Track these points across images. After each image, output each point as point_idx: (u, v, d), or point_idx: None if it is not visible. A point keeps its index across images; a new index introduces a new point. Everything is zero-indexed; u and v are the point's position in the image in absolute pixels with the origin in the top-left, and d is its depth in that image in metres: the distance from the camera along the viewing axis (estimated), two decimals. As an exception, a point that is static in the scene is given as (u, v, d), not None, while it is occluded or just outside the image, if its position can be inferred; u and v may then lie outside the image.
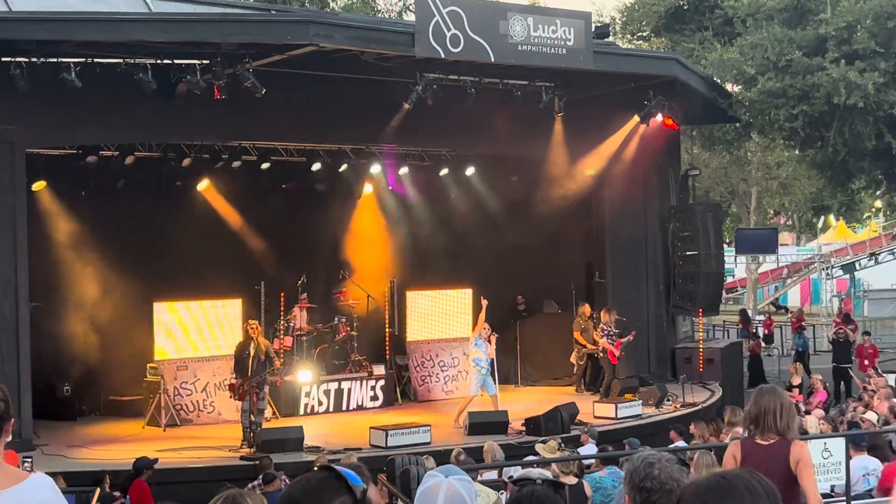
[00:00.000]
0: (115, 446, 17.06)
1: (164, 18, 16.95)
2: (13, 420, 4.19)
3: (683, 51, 24.70)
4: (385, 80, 17.78)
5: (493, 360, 18.78)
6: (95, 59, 15.67)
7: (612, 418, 18.61)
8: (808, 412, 17.62)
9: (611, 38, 26.20)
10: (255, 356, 16.83)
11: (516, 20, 17.27)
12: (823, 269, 46.17)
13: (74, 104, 16.13)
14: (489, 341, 18.67)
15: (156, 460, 13.75)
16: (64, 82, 15.34)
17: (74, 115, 16.52)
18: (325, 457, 14.46)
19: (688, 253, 23.64)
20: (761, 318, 41.45)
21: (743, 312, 38.35)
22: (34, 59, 15.32)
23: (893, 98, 21.53)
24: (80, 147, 18.69)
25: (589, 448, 14.94)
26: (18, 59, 15.22)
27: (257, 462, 14.61)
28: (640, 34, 30.08)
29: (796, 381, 21.67)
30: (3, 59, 15.24)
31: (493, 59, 17.18)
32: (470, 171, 23.04)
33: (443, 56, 16.72)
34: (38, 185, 18.95)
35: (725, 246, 30.79)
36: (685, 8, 27.16)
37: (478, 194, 23.26)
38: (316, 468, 3.55)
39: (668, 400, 20.28)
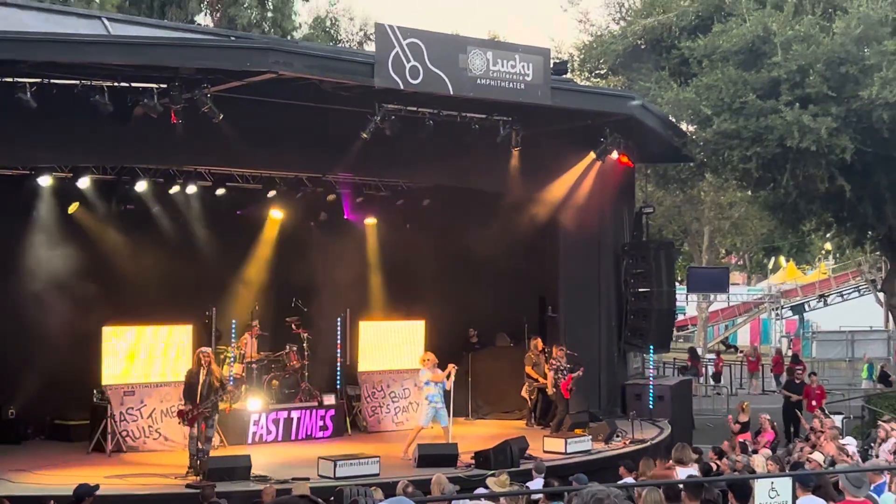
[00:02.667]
0: (59, 471, 16.83)
1: (122, 41, 16.87)
2: None
3: (640, 89, 24.86)
4: (343, 109, 17.79)
5: (448, 391, 18.74)
6: (52, 80, 15.53)
7: (562, 453, 18.62)
8: (755, 451, 17.73)
9: (569, 75, 26.38)
10: (206, 383, 16.70)
11: (476, 54, 17.37)
12: (773, 309, 46.64)
13: (29, 125, 15.96)
14: (438, 371, 18.60)
15: (97, 487, 13.54)
16: (19, 102, 15.20)
17: (29, 135, 16.33)
18: (273, 486, 14.34)
19: (640, 290, 23.78)
20: (711, 356, 41.76)
21: (692, 350, 38.62)
22: (-11, 79, 15.17)
23: (845, 142, 21.80)
24: (32, 168, 18.51)
25: (537, 483, 14.91)
26: (-27, 78, 15.06)
27: (200, 490, 14.46)
28: (597, 72, 30.29)
29: (743, 418, 21.79)
30: (-42, 77, 15.08)
31: (451, 92, 17.26)
32: (426, 202, 23.07)
33: (402, 87, 16.77)
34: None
35: (677, 284, 30.98)
36: (642, 47, 27.35)
37: (433, 225, 23.28)
38: (295, 495, 3.54)
39: (618, 436, 20.33)
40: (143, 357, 19.42)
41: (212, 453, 16.94)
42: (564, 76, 23.68)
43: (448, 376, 18.66)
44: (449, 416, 18.78)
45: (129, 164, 19.44)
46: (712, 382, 37.88)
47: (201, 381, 16.71)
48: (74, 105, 15.76)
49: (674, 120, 23.89)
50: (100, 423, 18.71)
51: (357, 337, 22.13)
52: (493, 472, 15.48)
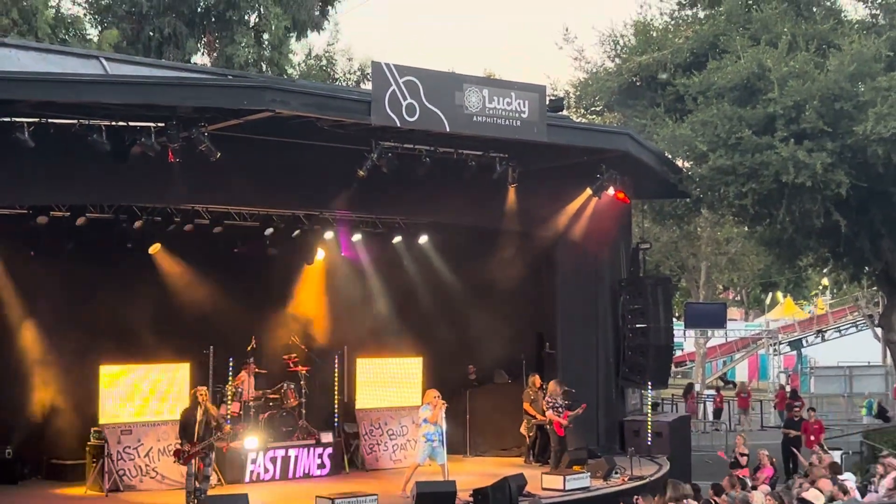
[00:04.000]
0: (55, 511, 16.75)
1: (120, 81, 16.95)
2: None
3: (636, 126, 24.98)
4: (340, 146, 17.85)
5: (443, 429, 18.69)
6: (49, 120, 15.59)
7: (561, 490, 18.55)
8: (754, 487, 17.67)
9: (564, 112, 26.50)
10: (202, 422, 16.67)
11: (472, 91, 17.46)
12: (771, 345, 46.57)
13: (26, 164, 16.01)
14: (435, 408, 18.56)
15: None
16: (17, 142, 15.26)
17: (26, 174, 16.39)
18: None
19: (637, 326, 23.77)
20: (711, 392, 41.68)
21: (688, 387, 38.55)
22: (-13, 118, 15.22)
23: (840, 178, 21.89)
24: (30, 207, 18.54)
25: (536, 520, 14.87)
26: (-29, 118, 15.11)
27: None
28: (593, 108, 30.43)
29: (742, 450, 21.76)
30: (-44, 117, 15.13)
31: (448, 129, 17.33)
32: (423, 239, 23.12)
33: (398, 125, 16.85)
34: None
35: (675, 320, 30.96)
36: (638, 84, 27.50)
37: (430, 262, 23.30)
38: None
39: (617, 472, 20.25)
40: (140, 396, 19.37)
41: (209, 492, 16.88)
42: (560, 113, 23.81)
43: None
44: (443, 452, 18.70)
45: (127, 203, 19.47)
46: (712, 419, 37.79)
47: (198, 419, 16.68)
48: (72, 144, 15.81)
49: (670, 156, 23.99)
50: (97, 462, 18.65)
51: (355, 374, 22.10)
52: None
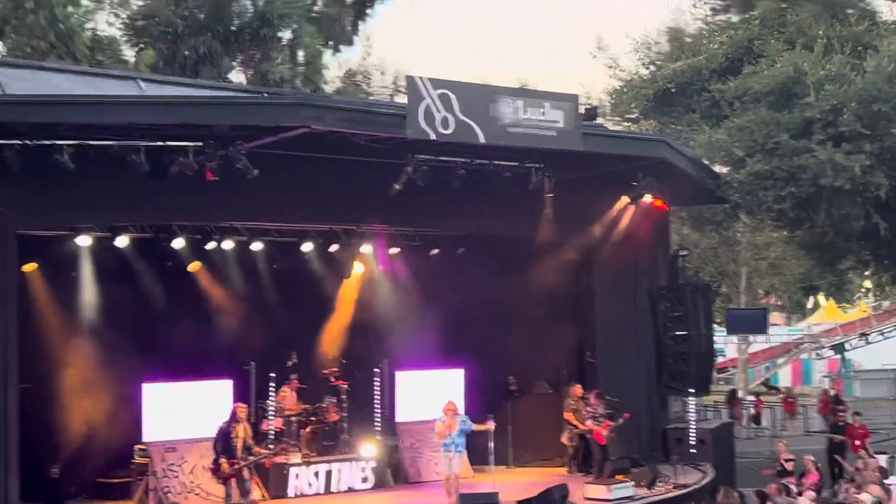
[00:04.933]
0: (102, 529, 16.87)
1: (156, 101, 17.13)
2: None
3: (671, 133, 24.94)
4: (376, 161, 17.93)
5: (459, 436, 18.63)
6: (88, 142, 15.76)
7: (604, 499, 18.47)
8: (799, 493, 17.55)
9: (599, 120, 26.48)
10: (242, 439, 16.78)
11: (506, 103, 17.48)
12: (814, 349, 46.15)
13: (67, 186, 16.20)
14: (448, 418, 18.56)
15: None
16: (57, 164, 15.43)
17: (67, 196, 16.59)
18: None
19: (678, 333, 23.65)
20: (752, 398, 41.35)
21: (731, 393, 38.27)
22: (27, 142, 15.40)
23: (879, 180, 21.73)
24: (72, 228, 18.73)
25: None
26: (12, 142, 15.30)
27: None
28: (628, 116, 30.40)
29: (785, 456, 21.57)
30: (-3, 141, 15.33)
31: (482, 141, 17.36)
32: (460, 251, 23.13)
33: (433, 138, 16.89)
34: (30, 267, 18.95)
35: (716, 326, 30.78)
36: (673, 91, 27.46)
37: (468, 274, 23.29)
38: None
39: (661, 481, 20.15)
40: (183, 413, 19.47)
41: (253, 508, 16.96)
42: (595, 121, 23.78)
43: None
44: (461, 459, 18.64)
45: (167, 222, 19.65)
46: (753, 425, 37.47)
47: (240, 436, 16.78)
48: (111, 165, 15.99)
49: (707, 162, 23.89)
50: (142, 480, 18.77)
51: (396, 387, 22.11)
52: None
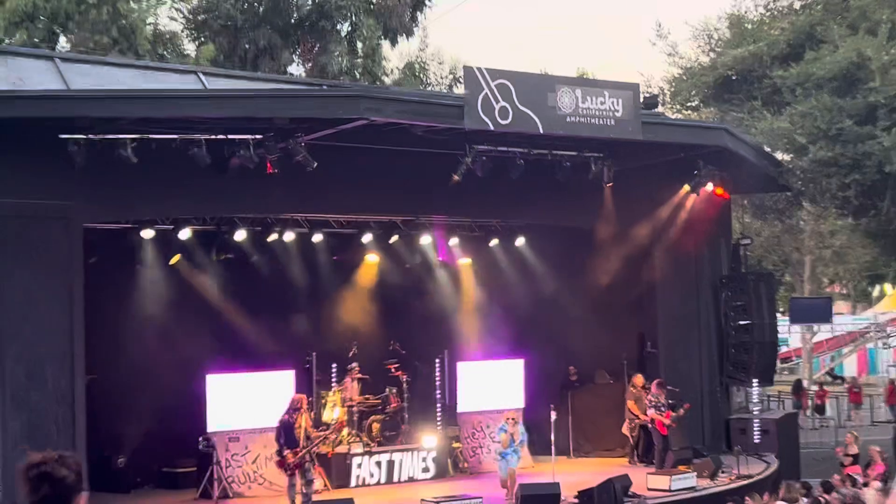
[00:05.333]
0: (167, 518, 17.10)
1: (218, 95, 17.30)
2: (84, 494, 4.25)
3: (732, 120, 24.67)
4: (434, 151, 17.95)
5: (518, 442, 18.67)
6: (151, 135, 15.96)
7: (666, 490, 18.38)
8: (865, 484, 17.33)
9: (659, 109, 26.28)
10: (303, 429, 16.92)
11: (564, 92, 17.42)
12: (879, 338, 45.50)
13: (130, 179, 16.41)
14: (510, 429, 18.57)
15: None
16: (120, 158, 15.64)
17: (130, 190, 16.80)
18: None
19: (741, 322, 23.44)
20: (817, 388, 40.91)
21: (797, 383, 37.88)
22: (91, 136, 15.63)
23: (946, 165, 21.36)
24: (136, 221, 18.99)
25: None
26: (76, 137, 15.53)
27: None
28: (688, 104, 30.15)
29: (853, 450, 21.29)
30: (62, 136, 15.57)
31: (541, 131, 17.31)
32: (520, 241, 23.11)
33: (492, 128, 16.88)
34: (94, 259, 19.22)
35: (779, 315, 30.45)
36: (734, 78, 27.19)
37: (528, 264, 23.28)
38: None
39: (723, 472, 20.01)
40: (246, 403, 19.66)
41: (315, 497, 17.07)
42: (655, 110, 23.61)
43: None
44: (518, 458, 18.67)
45: (228, 214, 19.84)
46: (817, 415, 37.06)
47: (301, 426, 16.91)
48: (173, 159, 16.16)
49: (768, 149, 23.63)
50: (206, 469, 19.00)
51: (456, 378, 22.16)
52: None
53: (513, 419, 18.94)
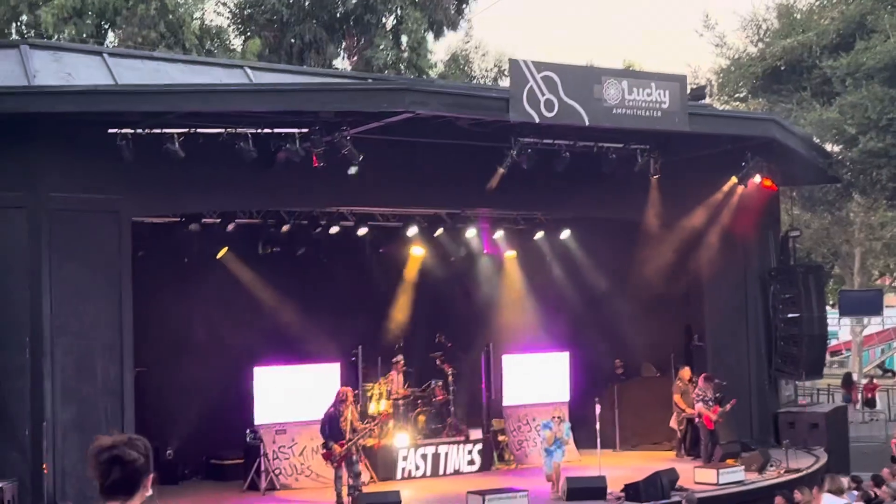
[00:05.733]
0: (215, 510, 17.23)
1: (264, 89, 17.39)
2: (153, 475, 4.30)
3: (781, 111, 24.44)
4: (480, 144, 17.93)
5: (563, 438, 18.64)
6: (198, 130, 16.07)
7: (714, 484, 18.26)
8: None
9: (707, 100, 26.08)
10: (349, 421, 16.98)
11: (611, 84, 17.32)
12: (931, 331, 44.94)
13: (178, 173, 16.55)
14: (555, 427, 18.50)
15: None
16: (168, 152, 15.77)
17: (178, 184, 16.94)
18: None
19: (789, 315, 23.23)
20: (867, 381, 40.51)
21: (847, 376, 37.53)
22: (139, 131, 15.78)
23: None
24: (183, 215, 19.12)
25: (690, 515, 14.69)
26: (124, 131, 15.69)
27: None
28: (736, 95, 29.91)
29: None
30: (110, 130, 15.72)
31: (587, 123, 17.24)
32: (565, 234, 23.03)
33: (537, 120, 16.83)
34: (142, 253, 19.38)
35: (829, 308, 30.16)
36: (782, 69, 26.93)
37: (573, 257, 23.20)
38: None
39: (772, 465, 19.85)
40: (293, 396, 19.76)
41: (363, 489, 17.12)
42: (702, 101, 23.43)
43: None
44: (562, 452, 18.61)
45: (274, 208, 19.94)
46: (867, 408, 36.69)
47: (347, 419, 16.98)
48: (220, 153, 16.28)
49: (818, 141, 23.39)
50: (253, 461, 19.13)
51: (501, 370, 22.14)
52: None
53: (558, 417, 18.89)
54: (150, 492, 4.31)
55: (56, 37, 31.34)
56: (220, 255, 20.55)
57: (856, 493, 15.50)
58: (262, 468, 18.88)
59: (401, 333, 21.87)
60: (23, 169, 16.10)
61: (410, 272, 23.20)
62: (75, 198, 16.21)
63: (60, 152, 16.17)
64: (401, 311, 22.57)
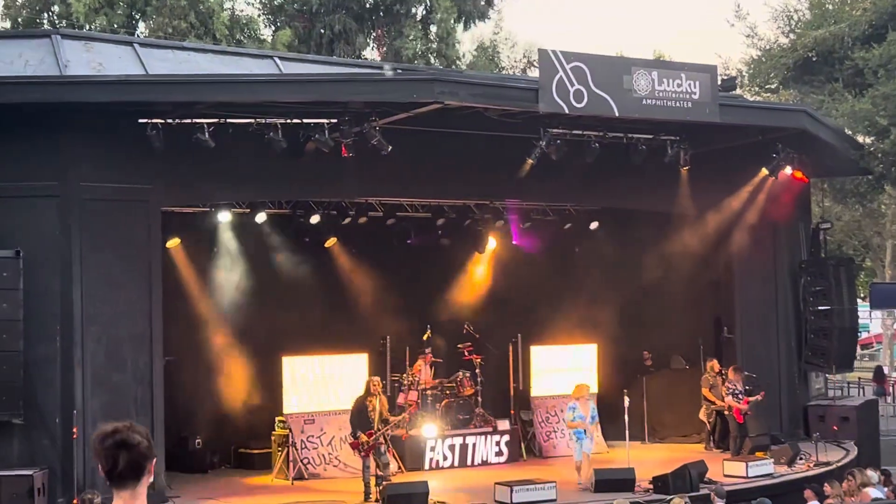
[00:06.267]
0: (244, 498, 17.31)
1: (293, 79, 17.40)
2: (155, 460, 4.33)
3: (813, 102, 24.26)
4: (509, 135, 17.88)
5: (594, 417, 18.53)
6: (228, 120, 16.11)
7: (743, 477, 18.19)
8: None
9: (738, 91, 25.92)
10: (378, 412, 17.00)
11: (641, 75, 17.23)
12: (963, 324, 44.56)
13: (207, 163, 16.60)
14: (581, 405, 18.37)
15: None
16: (198, 142, 15.82)
17: (207, 174, 17.00)
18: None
19: (820, 308, 23.08)
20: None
21: (878, 370, 37.29)
22: (170, 120, 15.83)
23: None
24: (212, 205, 19.19)
25: (718, 507, 14.64)
26: (155, 121, 15.75)
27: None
28: (767, 86, 29.72)
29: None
30: (140, 120, 15.79)
31: (617, 114, 17.16)
32: (594, 225, 22.96)
33: (566, 111, 16.77)
34: (173, 243, 19.48)
35: (860, 301, 29.95)
36: (814, 60, 26.73)
37: (602, 249, 23.12)
38: None
39: (801, 459, 19.74)
40: (321, 386, 19.81)
41: (391, 479, 17.15)
42: (733, 92, 23.28)
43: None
44: (591, 441, 18.50)
45: (303, 198, 19.97)
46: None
47: (376, 408, 17.00)
48: (250, 143, 16.32)
49: (849, 132, 23.20)
50: (282, 451, 19.19)
51: (529, 362, 22.12)
52: (671, 497, 15.25)
53: (584, 397, 18.63)
54: (152, 477, 4.34)
55: (87, 27, 31.51)
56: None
57: (886, 488, 15.41)
58: (291, 457, 18.94)
59: (429, 324, 21.86)
60: (54, 159, 16.20)
61: (439, 263, 23.20)
62: (106, 187, 16.30)
63: (91, 142, 16.25)
64: (430, 302, 22.57)
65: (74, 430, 15.47)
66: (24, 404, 15.38)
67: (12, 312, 15.35)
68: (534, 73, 33.92)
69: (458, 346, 22.07)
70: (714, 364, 21.70)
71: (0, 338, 15.26)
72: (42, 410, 15.76)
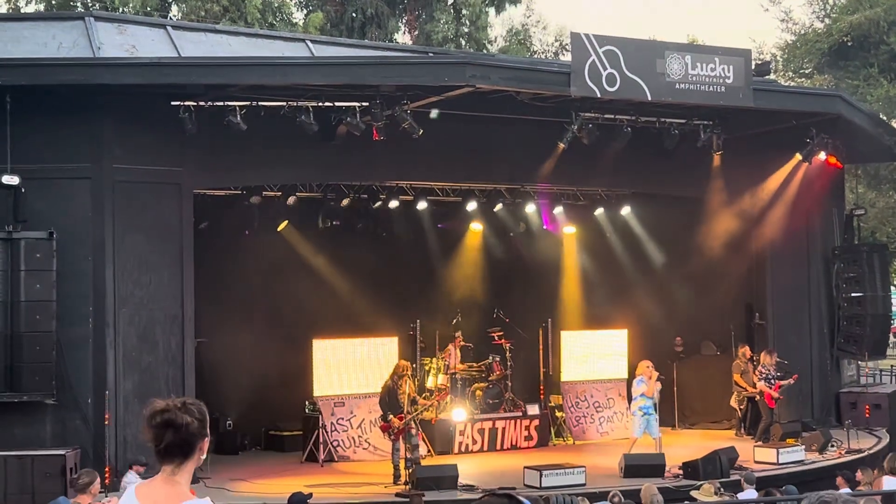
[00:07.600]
0: (275, 480, 17.39)
1: (325, 62, 17.40)
2: (208, 438, 4.34)
3: (848, 87, 24.07)
4: (540, 119, 17.83)
5: (656, 401, 18.49)
6: (260, 103, 16.15)
7: (774, 463, 18.11)
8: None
9: (772, 76, 25.71)
10: (407, 394, 17.03)
11: (674, 58, 17.13)
12: None
13: (239, 146, 16.65)
14: (650, 380, 18.32)
15: (310, 495, 13.94)
16: (230, 125, 15.86)
17: (239, 156, 17.05)
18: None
19: (853, 295, 22.91)
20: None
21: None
22: (202, 103, 15.89)
23: None
24: (244, 188, 19.25)
25: (748, 494, 14.57)
26: (187, 103, 15.81)
27: (408, 500, 14.69)
28: (802, 71, 29.51)
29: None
30: (173, 102, 15.85)
31: (649, 98, 17.07)
32: (626, 210, 22.87)
33: (598, 95, 16.69)
34: (204, 225, 19.55)
35: (893, 288, 29.72)
36: (849, 45, 26.52)
37: (634, 233, 23.03)
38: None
39: (833, 446, 19.63)
40: (351, 369, 19.87)
41: (420, 463, 17.19)
42: (767, 77, 23.10)
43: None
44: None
45: (334, 182, 20.00)
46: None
47: (406, 392, 17.03)
48: (281, 126, 16.34)
49: (885, 117, 22.98)
50: (312, 433, 19.27)
51: (559, 346, 22.09)
52: (700, 483, 15.20)
53: (651, 374, 18.48)
54: (204, 455, 4.36)
55: (121, 9, 31.61)
56: (280, 227, 20.68)
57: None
58: (321, 440, 19.01)
59: (459, 308, 21.86)
60: (87, 141, 16.30)
61: (470, 247, 23.19)
62: (138, 170, 16.38)
63: (124, 124, 16.33)
64: (459, 286, 22.57)
65: (107, 416, 15.60)
66: (56, 385, 15.51)
67: (45, 293, 15.46)
68: (566, 57, 33.81)
69: (488, 330, 22.07)
70: (745, 350, 21.58)
71: (33, 319, 15.38)
72: (74, 391, 15.88)
